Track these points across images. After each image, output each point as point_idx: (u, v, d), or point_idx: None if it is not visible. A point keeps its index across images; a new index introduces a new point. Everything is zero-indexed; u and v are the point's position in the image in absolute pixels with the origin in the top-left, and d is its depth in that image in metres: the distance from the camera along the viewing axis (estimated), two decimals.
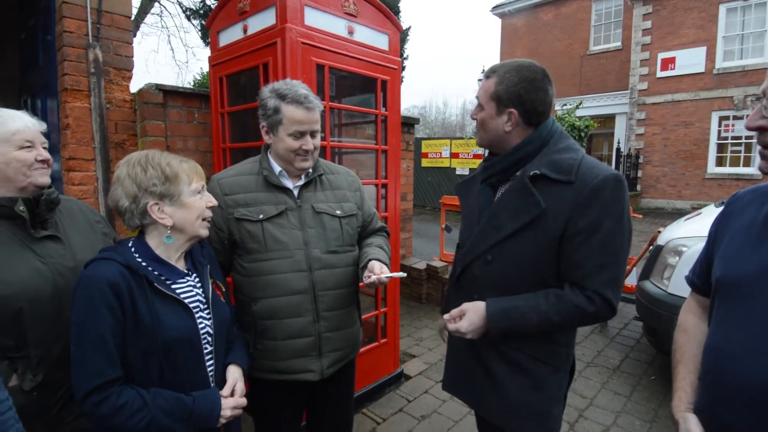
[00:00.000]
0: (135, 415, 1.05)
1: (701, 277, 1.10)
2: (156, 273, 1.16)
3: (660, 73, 12.86)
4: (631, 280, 4.02)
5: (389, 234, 1.83)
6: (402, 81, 10.55)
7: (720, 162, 12.35)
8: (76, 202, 1.56)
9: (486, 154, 1.50)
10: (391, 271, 1.45)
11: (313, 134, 1.48)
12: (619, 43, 15.05)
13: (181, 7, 11.74)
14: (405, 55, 10.78)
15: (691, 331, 1.06)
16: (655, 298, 2.98)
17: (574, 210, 1.17)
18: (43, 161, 1.35)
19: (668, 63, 12.67)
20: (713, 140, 12.28)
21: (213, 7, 9.58)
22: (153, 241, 1.21)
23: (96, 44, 2.74)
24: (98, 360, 1.05)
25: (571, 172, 1.20)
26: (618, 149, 13.17)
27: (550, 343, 1.31)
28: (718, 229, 1.06)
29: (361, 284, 1.53)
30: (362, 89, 3.18)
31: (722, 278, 0.95)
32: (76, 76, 2.71)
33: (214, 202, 1.27)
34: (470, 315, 1.26)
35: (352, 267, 1.59)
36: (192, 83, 12.99)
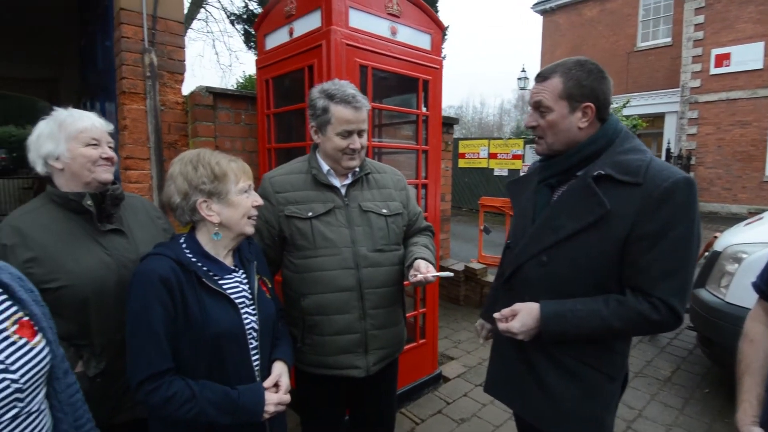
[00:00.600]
0: (184, 406, 1.10)
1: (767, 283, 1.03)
2: (204, 269, 1.20)
3: (714, 70, 12.15)
4: None
5: (434, 233, 1.82)
6: None
7: None
8: (139, 198, 1.65)
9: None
10: (440, 272, 1.45)
11: (360, 133, 1.50)
12: (669, 39, 14.34)
13: (226, 13, 12.17)
14: (443, 55, 10.72)
15: (758, 341, 1.00)
16: (711, 308, 2.82)
17: (641, 213, 1.13)
18: (107, 159, 1.43)
19: (723, 59, 11.95)
20: None
21: (256, 12, 9.89)
22: (202, 237, 1.26)
23: (151, 49, 2.88)
24: (150, 351, 1.10)
25: (639, 173, 1.15)
26: (668, 150, 12.54)
27: (606, 350, 1.26)
28: None
29: (406, 282, 1.53)
30: (403, 89, 3.18)
31: None
32: (133, 80, 2.86)
33: (260, 201, 1.30)
34: (523, 315, 1.24)
35: (397, 266, 1.59)
36: (235, 86, 13.44)
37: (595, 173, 1.19)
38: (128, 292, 1.16)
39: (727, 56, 11.93)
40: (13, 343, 0.87)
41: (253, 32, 9.86)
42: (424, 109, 2.74)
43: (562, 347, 1.26)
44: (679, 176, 1.13)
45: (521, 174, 1.50)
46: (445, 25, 10.31)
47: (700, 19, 12.39)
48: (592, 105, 1.23)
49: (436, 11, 10.45)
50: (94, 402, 1.28)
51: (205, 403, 1.11)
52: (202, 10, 13.58)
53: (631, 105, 13.13)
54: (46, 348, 0.94)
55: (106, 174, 1.42)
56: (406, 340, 2.88)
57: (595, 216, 1.17)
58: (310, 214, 1.49)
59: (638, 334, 1.30)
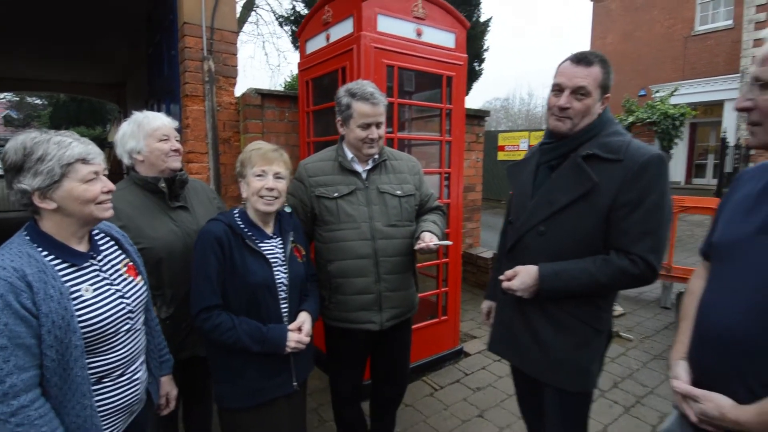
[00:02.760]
0: (226, 333, 1.44)
1: (707, 246, 1.21)
2: (249, 233, 1.54)
3: None
4: None
5: (445, 212, 2.08)
6: (480, 75, 10.43)
7: None
8: (200, 182, 2.04)
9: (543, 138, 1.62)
10: (442, 240, 1.72)
11: (378, 125, 1.78)
12: (730, 22, 13.41)
13: (275, 15, 12.78)
14: (486, 47, 10.67)
15: (694, 293, 1.18)
16: None
17: (622, 184, 1.34)
18: (176, 150, 1.81)
19: None
20: None
21: (303, 13, 10.35)
22: (249, 210, 1.60)
23: (209, 57, 3.32)
24: (205, 290, 1.46)
25: (620, 151, 1.36)
26: (723, 139, 11.81)
27: (593, 307, 1.46)
28: (724, 201, 1.18)
29: (415, 249, 1.80)
30: (431, 85, 3.42)
31: (716, 243, 1.09)
32: (194, 84, 3.31)
33: (270, 184, 1.53)
34: (522, 275, 1.45)
35: (409, 239, 1.87)
36: (283, 85, 14.06)
37: (584, 153, 1.40)
38: (194, 247, 1.53)
39: None
40: (125, 278, 1.26)
41: None
42: (448, 104, 2.97)
43: (556, 304, 1.46)
44: (653, 152, 1.34)
45: None
46: (486, 17, 10.33)
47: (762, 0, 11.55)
48: (609, 96, 1.45)
49: (479, 4, 10.43)
50: (165, 338, 1.65)
51: (242, 333, 1.45)
52: (253, 13, 14.30)
53: (687, 92, 12.47)
54: (145, 285, 1.33)
55: (175, 162, 1.80)
56: (429, 317, 3.19)
57: (585, 189, 1.38)
58: (335, 194, 1.81)
59: (621, 288, 1.44)
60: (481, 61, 10.64)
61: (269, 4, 18.09)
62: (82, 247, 1.17)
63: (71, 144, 1.09)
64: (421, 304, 3.14)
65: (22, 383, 0.96)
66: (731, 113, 12.99)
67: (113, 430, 1.20)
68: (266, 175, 1.54)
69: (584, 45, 17.87)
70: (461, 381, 3.00)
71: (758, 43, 11.61)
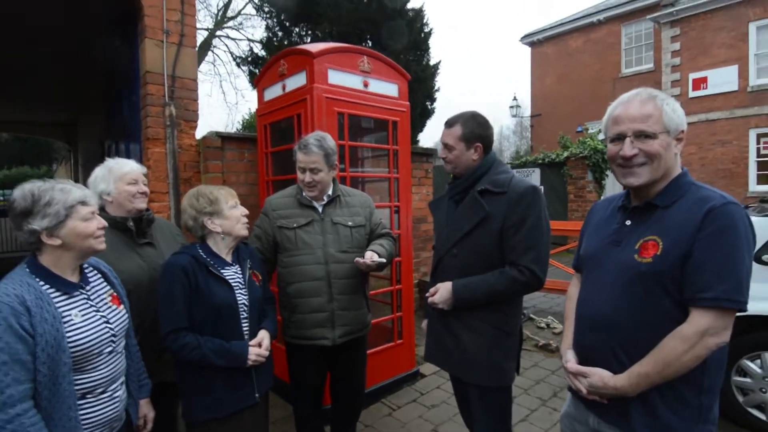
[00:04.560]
0: (192, 351, 1.61)
1: (576, 260, 1.56)
2: (212, 262, 1.73)
3: (692, 93, 12.80)
4: None
5: (394, 239, 2.33)
6: (433, 113, 11.07)
7: (762, 180, 11.98)
8: (164, 220, 2.23)
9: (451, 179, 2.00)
10: (384, 262, 2.02)
11: (313, 171, 2.04)
12: (651, 65, 15.12)
13: (232, 56, 13.12)
14: (436, 87, 11.40)
15: (573, 297, 1.49)
16: None
17: (508, 210, 1.69)
18: (143, 193, 2.00)
19: (700, 83, 12.62)
20: (752, 158, 11.98)
21: (260, 54, 10.73)
22: (211, 243, 1.79)
23: (171, 103, 3.52)
24: (173, 314, 1.63)
25: (505, 185, 1.73)
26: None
27: (500, 313, 1.77)
28: (585, 225, 1.54)
29: (354, 261, 2.03)
30: (378, 128, 3.78)
31: (582, 254, 1.44)
32: (156, 128, 3.48)
33: (245, 211, 1.81)
34: (441, 291, 1.77)
35: None
36: (241, 122, 14.23)
37: (479, 188, 1.76)
38: (160, 277, 1.69)
39: (704, 80, 12.60)
40: (110, 307, 1.43)
41: (257, 72, 10.67)
42: (394, 145, 3.31)
43: (470, 312, 1.76)
44: (528, 185, 1.72)
45: None
46: (435, 61, 11.10)
47: (677, 46, 13.15)
48: (480, 144, 1.79)
49: (428, 49, 11.19)
50: None
51: (207, 350, 1.62)
52: (210, 53, 14.56)
53: None
54: (127, 313, 1.49)
55: (141, 204, 2.00)
56: (386, 341, 3.39)
57: (480, 217, 1.73)
58: (294, 225, 2.08)
59: (516, 294, 1.77)
60: (433, 100, 11.31)
61: (226, 45, 18.50)
62: (75, 278, 1.35)
63: (72, 190, 1.31)
64: (378, 329, 3.37)
65: (18, 394, 1.10)
66: None
67: None
68: (238, 205, 1.80)
69: (526, 86, 19.33)
70: (417, 400, 3.20)
71: (675, 84, 13.14)
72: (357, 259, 1.99)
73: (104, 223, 1.39)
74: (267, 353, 1.77)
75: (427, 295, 1.82)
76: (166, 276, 1.67)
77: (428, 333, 2.00)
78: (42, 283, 1.26)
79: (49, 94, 8.88)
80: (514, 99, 18.37)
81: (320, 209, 2.13)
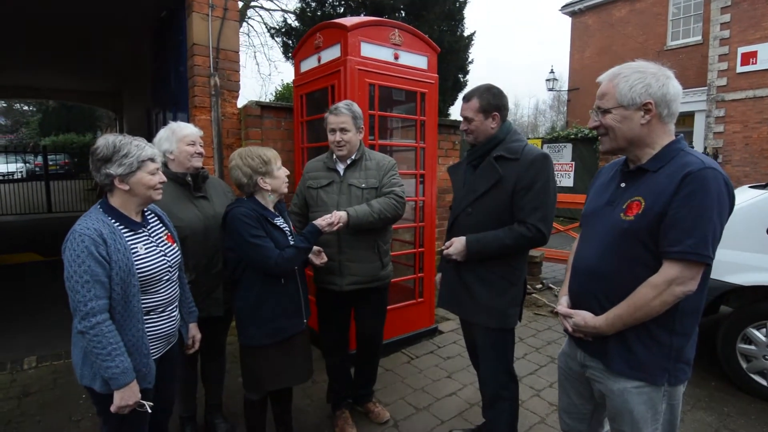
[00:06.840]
0: (299, 254, 1.99)
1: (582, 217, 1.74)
2: (266, 215, 2.00)
3: (740, 68, 12.11)
4: None
5: (399, 196, 2.37)
6: (465, 85, 10.96)
7: None
8: (216, 178, 2.54)
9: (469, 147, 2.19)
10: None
11: (342, 131, 2.29)
12: (699, 38, 14.31)
13: (266, 27, 13.27)
14: (470, 59, 11.25)
15: (574, 251, 1.70)
16: None
17: (519, 175, 1.89)
18: (199, 153, 2.29)
19: (749, 57, 11.91)
20: None
21: (294, 25, 10.85)
22: (259, 198, 2.04)
23: (215, 73, 3.80)
24: (268, 250, 1.88)
25: (518, 153, 1.93)
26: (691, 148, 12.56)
27: (507, 266, 2.00)
28: (590, 187, 1.71)
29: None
30: (409, 99, 3.95)
31: (584, 213, 1.63)
32: (202, 97, 3.78)
33: (287, 172, 2.07)
34: (456, 243, 2.00)
35: None
36: (274, 93, 14.51)
37: (495, 155, 1.95)
38: (231, 221, 1.93)
39: (753, 54, 11.89)
40: (166, 243, 1.73)
41: (291, 43, 10.82)
42: (422, 116, 3.49)
43: (481, 264, 1.99)
44: (539, 153, 1.92)
45: None
46: (470, 32, 10.93)
47: (726, 17, 12.39)
48: (497, 113, 1.98)
49: (462, 19, 11.00)
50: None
51: (302, 246, 2.00)
52: (245, 24, 14.77)
53: None
54: (179, 249, 1.80)
55: (198, 162, 2.30)
56: (409, 298, 3.67)
57: (495, 179, 1.94)
58: (317, 185, 2.37)
59: (524, 248, 1.98)
60: (466, 72, 11.20)
61: (261, 16, 18.66)
62: (138, 219, 1.65)
63: (145, 147, 1.58)
64: (400, 287, 3.65)
65: (99, 307, 1.41)
66: (701, 123, 13.81)
67: (155, 351, 1.66)
68: (282, 166, 2.07)
69: (565, 57, 18.65)
70: (434, 352, 3.49)
71: (723, 58, 12.47)
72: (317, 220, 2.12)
73: (164, 178, 1.65)
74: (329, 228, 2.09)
75: (443, 248, 2.05)
76: (244, 221, 1.89)
77: (442, 283, 2.24)
78: (113, 220, 1.54)
79: (97, 66, 9.39)
80: (551, 72, 17.80)
81: (342, 172, 2.39)
